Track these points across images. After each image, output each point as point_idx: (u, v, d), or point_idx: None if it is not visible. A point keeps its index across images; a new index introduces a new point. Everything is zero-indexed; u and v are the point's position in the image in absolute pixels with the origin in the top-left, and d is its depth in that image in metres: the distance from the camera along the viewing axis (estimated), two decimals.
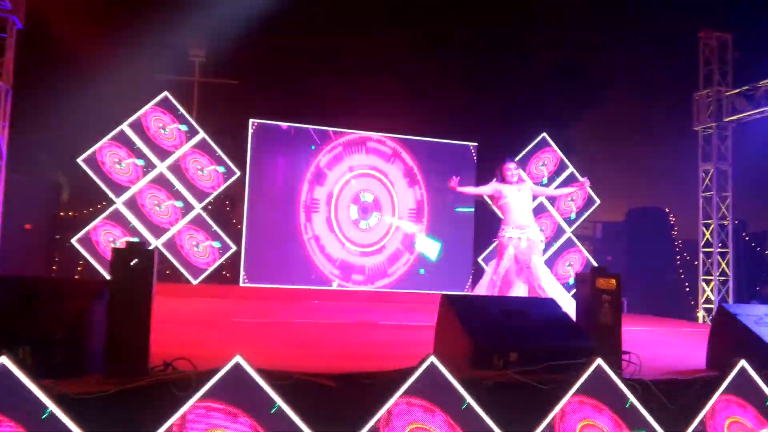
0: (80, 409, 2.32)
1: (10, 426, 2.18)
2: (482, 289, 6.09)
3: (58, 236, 9.99)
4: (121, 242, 8.81)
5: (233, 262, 9.90)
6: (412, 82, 10.58)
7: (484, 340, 3.38)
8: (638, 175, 11.76)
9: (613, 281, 3.74)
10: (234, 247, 9.64)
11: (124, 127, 9.20)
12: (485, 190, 6.42)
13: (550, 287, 5.80)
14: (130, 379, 2.61)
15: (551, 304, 4.02)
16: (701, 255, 10.62)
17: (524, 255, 5.92)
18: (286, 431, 2.49)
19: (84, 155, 9.01)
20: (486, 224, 10.81)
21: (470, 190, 6.67)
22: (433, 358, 2.87)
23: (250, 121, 10.09)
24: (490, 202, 6.47)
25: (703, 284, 10.50)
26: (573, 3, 10.24)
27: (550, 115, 11.01)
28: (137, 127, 9.26)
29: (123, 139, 9.19)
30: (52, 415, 2.21)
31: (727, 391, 3.44)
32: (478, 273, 10.81)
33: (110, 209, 9.14)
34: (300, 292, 9.94)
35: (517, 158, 10.48)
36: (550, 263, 10.57)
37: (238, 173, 9.70)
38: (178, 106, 9.50)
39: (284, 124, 10.25)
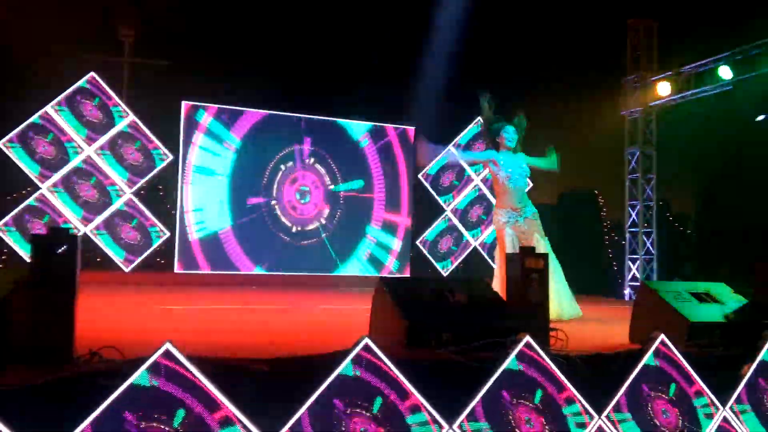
0: (1, 402, 2.24)
1: None
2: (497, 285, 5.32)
3: None
4: (41, 229, 8.47)
5: (167, 248, 9.68)
6: (350, 63, 10.53)
7: (417, 321, 3.44)
8: (569, 159, 12.08)
9: (541, 261, 3.87)
10: (167, 233, 9.42)
11: (49, 108, 8.81)
12: (480, 157, 5.56)
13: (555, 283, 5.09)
14: (54, 369, 2.54)
15: (482, 284, 4.11)
16: (627, 235, 11.05)
17: (525, 235, 5.39)
18: (220, 417, 2.47)
19: (6, 138, 8.59)
20: (424, 207, 10.94)
21: (464, 159, 5.55)
22: (367, 340, 2.90)
23: (183, 103, 9.85)
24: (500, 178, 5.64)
25: (629, 263, 10.94)
26: None
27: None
28: (62, 108, 8.89)
29: (48, 122, 8.81)
30: None
31: (647, 363, 3.60)
32: (416, 256, 10.94)
33: (35, 195, 8.77)
34: (235, 277, 9.84)
35: (453, 141, 10.57)
36: (485, 247, 10.79)
37: (171, 157, 9.46)
38: (107, 88, 9.16)
39: (218, 106, 10.06)
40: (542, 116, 11.67)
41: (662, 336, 3.70)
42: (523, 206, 5.56)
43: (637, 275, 10.74)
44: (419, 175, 10.58)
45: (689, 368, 3.69)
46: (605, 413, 3.32)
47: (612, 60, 11.08)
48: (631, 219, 11.01)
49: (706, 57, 9.91)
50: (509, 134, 5.63)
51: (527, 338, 3.22)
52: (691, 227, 12.67)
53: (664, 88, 10.37)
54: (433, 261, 10.61)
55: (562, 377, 3.25)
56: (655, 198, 10.89)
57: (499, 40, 10.66)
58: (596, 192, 12.74)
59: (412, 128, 11.18)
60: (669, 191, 11.79)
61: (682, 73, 10.26)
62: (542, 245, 5.39)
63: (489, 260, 10.69)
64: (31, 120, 8.72)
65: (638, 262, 10.79)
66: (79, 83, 9.00)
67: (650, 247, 10.80)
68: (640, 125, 10.90)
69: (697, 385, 3.68)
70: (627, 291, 10.80)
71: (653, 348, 3.65)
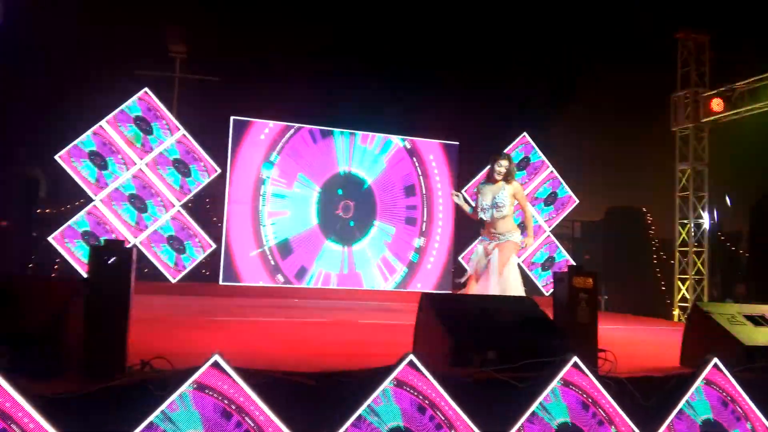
0: (57, 409, 2.31)
1: None
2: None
3: (35, 233, 9.87)
4: (99, 240, 8.72)
5: (213, 260, 9.85)
6: (396, 80, 10.61)
7: (462, 338, 3.41)
8: (617, 175, 11.89)
9: (590, 280, 3.79)
10: (214, 245, 9.58)
11: (103, 123, 9.10)
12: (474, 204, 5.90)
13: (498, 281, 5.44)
14: (107, 378, 2.60)
15: (529, 302, 4.06)
16: (677, 254, 10.76)
17: (490, 254, 5.58)
18: (265, 430, 2.49)
19: (62, 152, 8.90)
20: (465, 223, 10.87)
21: (469, 210, 6.01)
22: (412, 356, 2.89)
23: (231, 118, 10.05)
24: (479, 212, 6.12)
25: (679, 283, 10.64)
26: (552, 4, 10.33)
27: (531, 114, 11.09)
28: (116, 123, 9.16)
29: (101, 136, 9.09)
30: (29, 416, 2.20)
31: (700, 387, 3.50)
32: (458, 272, 10.87)
33: (88, 206, 9.04)
34: (280, 290, 9.93)
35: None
36: (529, 262, 10.66)
37: (219, 171, 9.64)
38: (158, 103, 9.41)
39: (265, 122, 10.23)
40: (589, 131, 11.55)
41: (715, 359, 3.59)
42: (496, 231, 5.65)
43: (687, 296, 10.44)
44: (463, 190, 10.53)
45: (743, 393, 3.57)
46: None
47: (662, 75, 10.86)
48: (681, 238, 10.73)
49: (761, 72, 9.63)
50: (500, 167, 5.70)
51: (575, 359, 3.17)
52: (744, 247, 12.26)
53: (717, 105, 10.12)
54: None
55: (612, 400, 3.18)
56: (706, 216, 10.59)
57: (545, 54, 10.60)
58: (644, 209, 12.46)
59: (456, 143, 11.15)
60: (720, 209, 11.46)
61: (736, 89, 9.99)
62: (503, 263, 5.53)
63: (532, 277, 10.55)
64: (85, 134, 9.01)
65: (688, 282, 10.49)
66: (133, 99, 9.28)
67: (701, 268, 10.49)
68: (691, 141, 10.64)
69: (751, 411, 3.56)
70: (676, 312, 10.49)
71: (706, 371, 3.54)
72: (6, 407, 2.19)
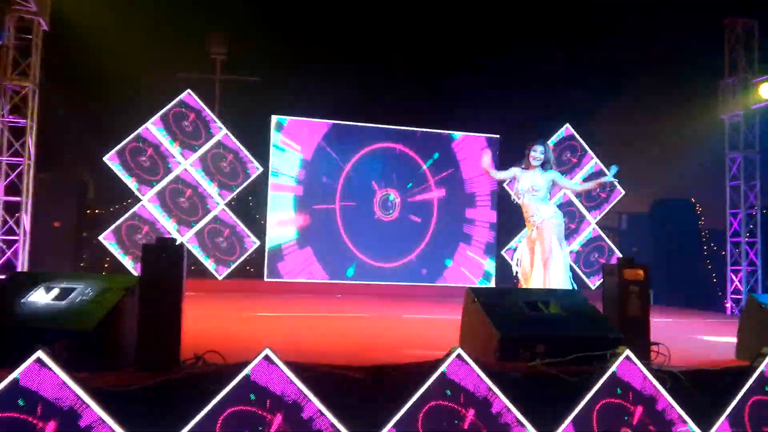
0: (114, 402, 2.37)
1: (49, 418, 2.23)
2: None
3: (85, 234, 10.15)
4: (150, 238, 8.93)
5: (257, 257, 9.98)
6: (437, 74, 10.56)
7: (510, 332, 3.37)
8: (664, 165, 11.59)
9: (641, 272, 3.71)
10: (258, 242, 9.71)
11: (149, 125, 9.31)
12: (505, 175, 5.91)
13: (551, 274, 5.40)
14: (162, 372, 2.66)
15: (577, 295, 3.99)
16: (729, 245, 10.45)
17: (535, 243, 5.55)
18: (316, 423, 2.52)
19: (109, 154, 9.14)
20: (508, 217, 10.76)
21: (493, 173, 5.89)
22: (460, 350, 2.87)
23: (272, 117, 10.15)
24: (513, 196, 6.05)
25: (731, 274, 10.34)
26: None
27: (574, 106, 10.91)
28: (160, 125, 9.36)
29: (147, 137, 9.31)
30: (90, 409, 2.26)
31: (757, 381, 3.39)
32: (501, 266, 10.77)
33: (136, 206, 9.26)
34: (324, 286, 9.99)
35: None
36: (576, 255, 10.50)
37: (261, 169, 9.77)
38: (201, 104, 9.58)
39: (306, 120, 10.30)
40: (635, 121, 11.30)
41: None
42: (532, 215, 5.59)
43: (740, 287, 10.13)
44: (505, 184, 10.44)
45: None
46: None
47: (710, 61, 10.53)
48: (733, 228, 10.41)
49: None
50: (536, 153, 5.67)
51: (627, 352, 3.10)
52: None
53: (767, 90, 9.78)
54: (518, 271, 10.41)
55: (666, 394, 3.11)
56: (759, 205, 10.24)
57: (586, 45, 10.41)
58: (692, 200, 12.13)
59: (497, 137, 11.05)
60: None
61: None
62: (545, 250, 5.46)
63: (578, 270, 10.41)
64: (132, 136, 9.24)
65: (741, 273, 10.17)
66: (176, 100, 9.47)
67: (754, 258, 10.16)
68: (741, 129, 10.30)
69: None
70: (729, 304, 10.20)
71: (764, 364, 3.43)
72: (67, 400, 2.26)
